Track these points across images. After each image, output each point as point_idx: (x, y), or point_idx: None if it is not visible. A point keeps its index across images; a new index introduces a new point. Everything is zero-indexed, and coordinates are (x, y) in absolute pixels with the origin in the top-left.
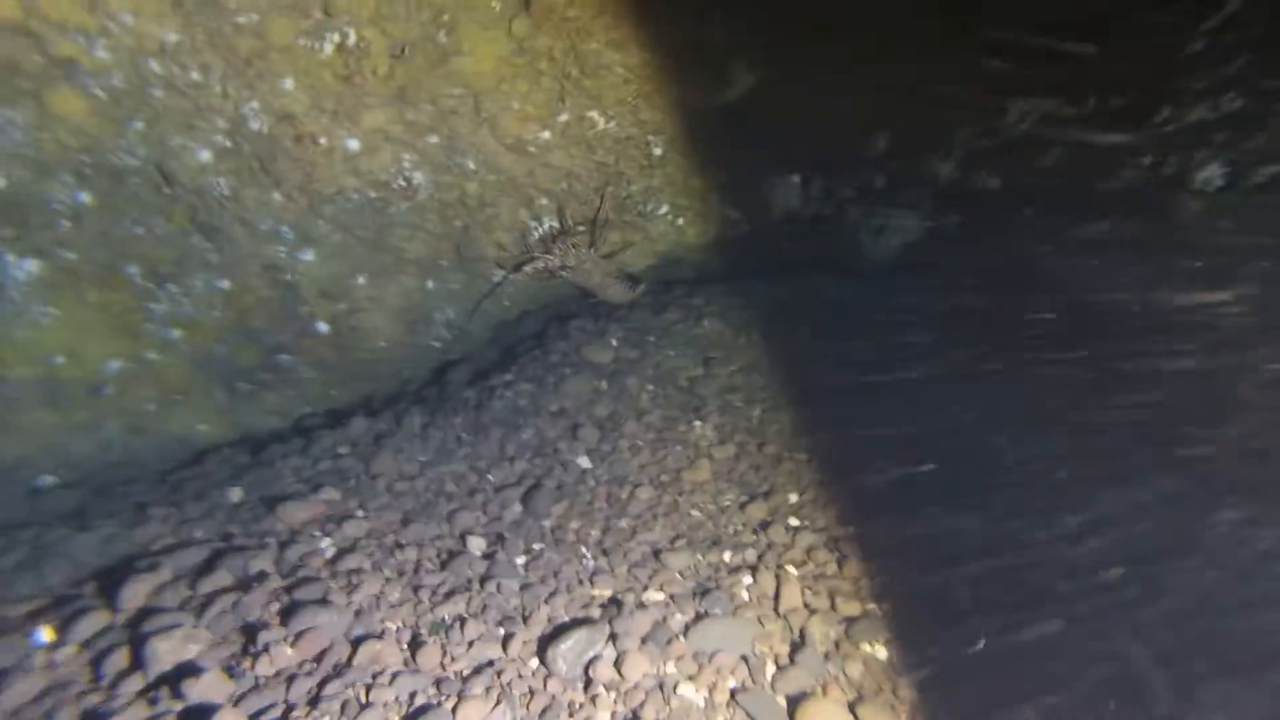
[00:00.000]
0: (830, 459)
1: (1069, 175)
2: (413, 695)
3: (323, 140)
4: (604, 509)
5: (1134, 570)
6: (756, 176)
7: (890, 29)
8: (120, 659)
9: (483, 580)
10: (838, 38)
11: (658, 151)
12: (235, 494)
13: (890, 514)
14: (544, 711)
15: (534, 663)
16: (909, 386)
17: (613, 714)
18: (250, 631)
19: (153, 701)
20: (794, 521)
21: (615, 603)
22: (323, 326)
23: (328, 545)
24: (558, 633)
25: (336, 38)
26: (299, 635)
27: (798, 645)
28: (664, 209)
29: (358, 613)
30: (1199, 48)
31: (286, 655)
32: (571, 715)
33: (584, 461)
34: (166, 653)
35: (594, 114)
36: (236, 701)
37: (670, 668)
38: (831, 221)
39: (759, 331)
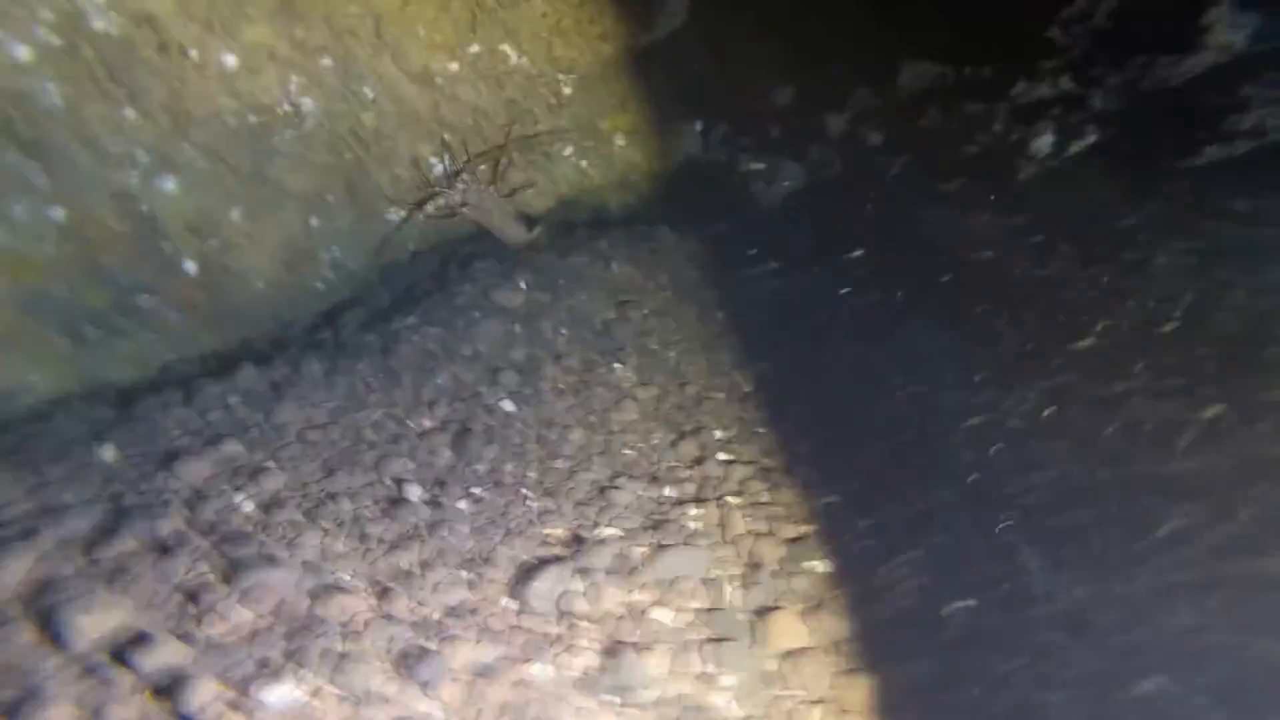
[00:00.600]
0: (747, 395)
1: (939, 135)
2: (391, 640)
3: (193, 53)
4: (537, 451)
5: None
6: (662, 123)
7: None
8: (26, 637)
9: (430, 526)
10: None
11: (567, 91)
12: (108, 452)
13: (805, 440)
14: (527, 645)
15: (505, 601)
16: (809, 324)
17: (592, 640)
18: (187, 593)
19: (97, 675)
20: (724, 456)
21: (576, 540)
22: (190, 265)
23: (244, 500)
24: (528, 571)
25: None
26: (246, 592)
27: (751, 567)
28: (569, 150)
29: (305, 564)
30: (1054, 34)
31: (240, 614)
32: (553, 646)
33: (508, 405)
34: (89, 623)
35: (506, 48)
36: (199, 664)
37: (639, 595)
38: (727, 169)
39: (667, 275)
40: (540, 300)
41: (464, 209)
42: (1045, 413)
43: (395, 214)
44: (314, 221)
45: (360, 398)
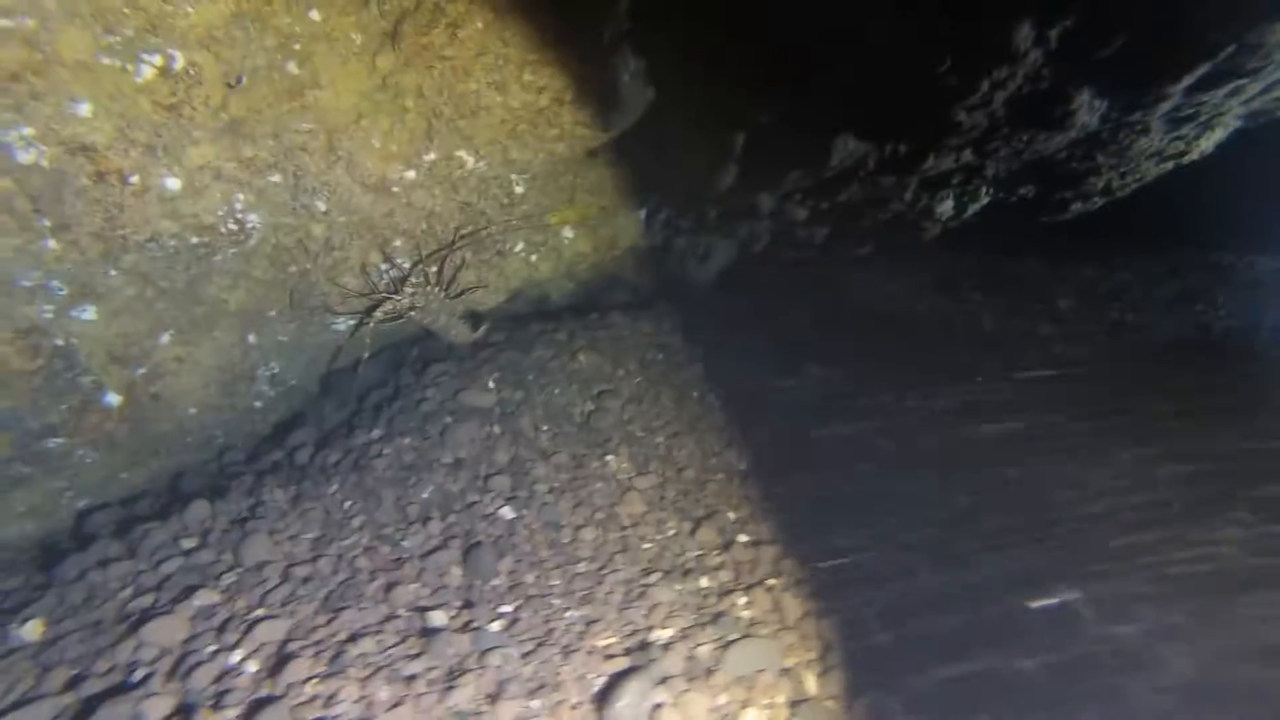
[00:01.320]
0: (744, 472)
1: (859, 206)
2: None
3: (134, 179)
4: (553, 557)
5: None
6: (608, 212)
7: (751, 73)
8: None
9: (478, 656)
10: (709, 78)
11: (519, 190)
12: (32, 629)
13: (808, 515)
14: None
15: None
16: (777, 389)
17: None
18: None
19: None
20: (745, 538)
21: (639, 647)
22: (112, 398)
23: (243, 660)
24: (605, 691)
25: (158, 59)
26: None
27: (825, 649)
28: (519, 246)
29: None
30: (960, 116)
31: None
32: None
33: (507, 511)
34: None
35: (463, 154)
36: None
37: (724, 698)
38: (664, 251)
39: (634, 361)
40: (513, 399)
41: (411, 313)
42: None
43: (342, 323)
44: (251, 338)
45: (341, 523)
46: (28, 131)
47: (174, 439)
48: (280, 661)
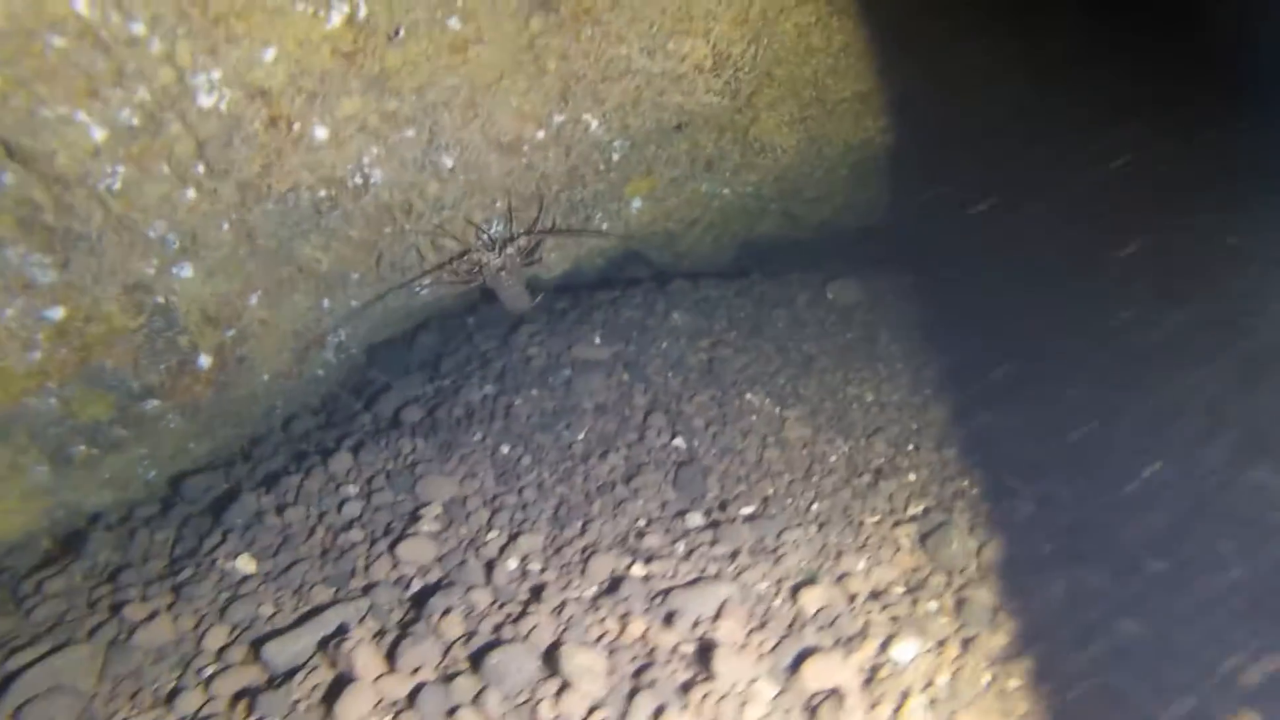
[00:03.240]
0: (873, 401)
1: None
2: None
3: (296, 126)
4: (752, 473)
5: None
6: (677, 182)
7: None
8: None
9: (777, 535)
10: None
11: (615, 157)
12: (245, 562)
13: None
14: None
15: None
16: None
17: None
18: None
19: None
20: (911, 446)
21: (928, 512)
22: (204, 360)
23: (531, 563)
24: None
25: (346, 8)
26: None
27: None
28: (599, 214)
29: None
30: None
31: None
32: None
33: (679, 442)
34: None
35: (589, 116)
36: None
37: None
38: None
39: (725, 319)
40: (626, 352)
41: (501, 274)
42: None
43: (427, 284)
44: (326, 303)
45: (513, 462)
46: (216, 75)
47: (245, 407)
48: (584, 557)
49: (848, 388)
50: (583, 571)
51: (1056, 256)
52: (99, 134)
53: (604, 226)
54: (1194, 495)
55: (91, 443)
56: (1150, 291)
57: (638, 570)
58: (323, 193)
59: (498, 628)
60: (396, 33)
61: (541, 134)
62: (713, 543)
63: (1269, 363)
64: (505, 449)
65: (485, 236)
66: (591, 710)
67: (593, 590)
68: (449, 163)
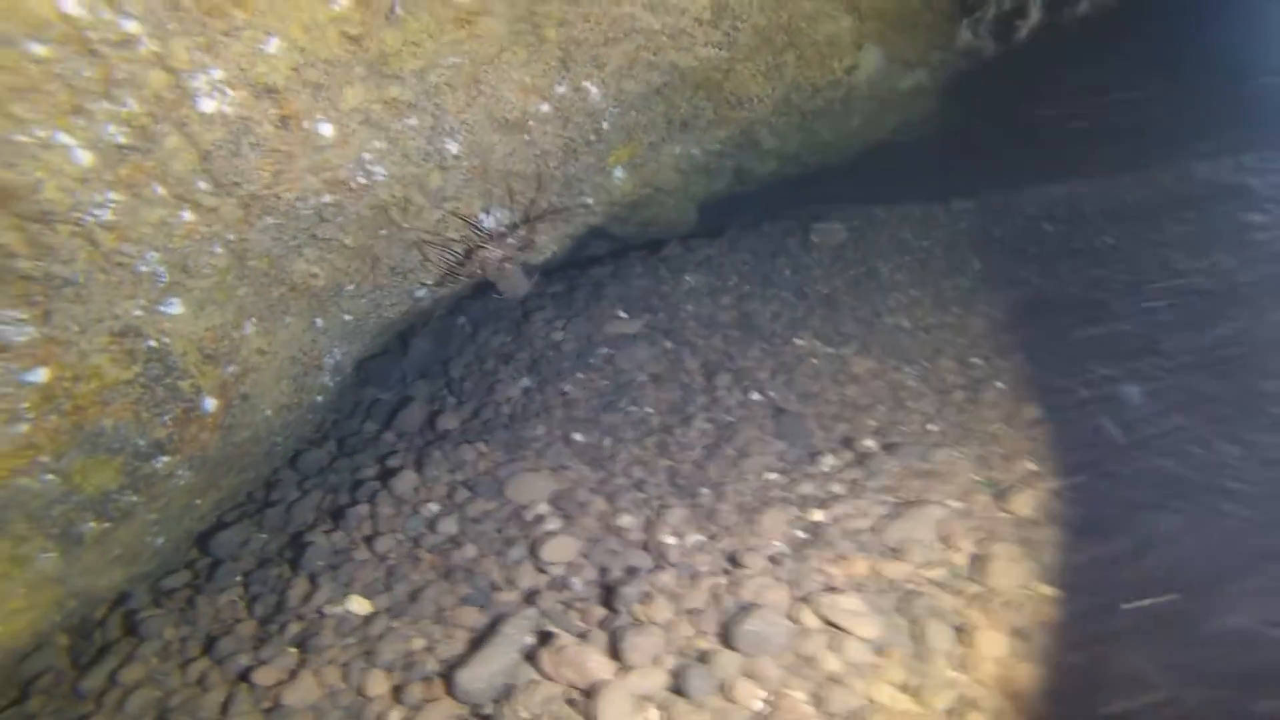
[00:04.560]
0: (911, 327)
1: None
2: None
3: (305, 124)
4: (845, 410)
5: None
6: (654, 147)
7: None
8: None
9: (925, 452)
10: None
11: (605, 126)
12: (358, 604)
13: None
14: None
15: None
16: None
17: None
18: None
19: None
20: (975, 359)
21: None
22: (209, 403)
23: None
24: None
25: None
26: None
27: None
28: (587, 188)
29: None
30: None
31: None
32: None
33: (755, 395)
34: None
35: (589, 84)
36: None
37: None
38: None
39: (734, 274)
40: (656, 320)
41: (502, 265)
42: None
43: (425, 289)
44: (319, 322)
45: (594, 448)
46: (217, 74)
47: (248, 449)
48: (745, 518)
49: (882, 319)
50: (753, 531)
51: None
52: (84, 157)
53: (589, 201)
54: None
55: (102, 516)
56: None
57: (819, 516)
58: (327, 198)
59: (716, 598)
60: (393, 9)
61: (545, 106)
62: (868, 476)
63: None
64: (579, 436)
65: (485, 227)
66: (880, 649)
67: (779, 545)
68: (454, 149)
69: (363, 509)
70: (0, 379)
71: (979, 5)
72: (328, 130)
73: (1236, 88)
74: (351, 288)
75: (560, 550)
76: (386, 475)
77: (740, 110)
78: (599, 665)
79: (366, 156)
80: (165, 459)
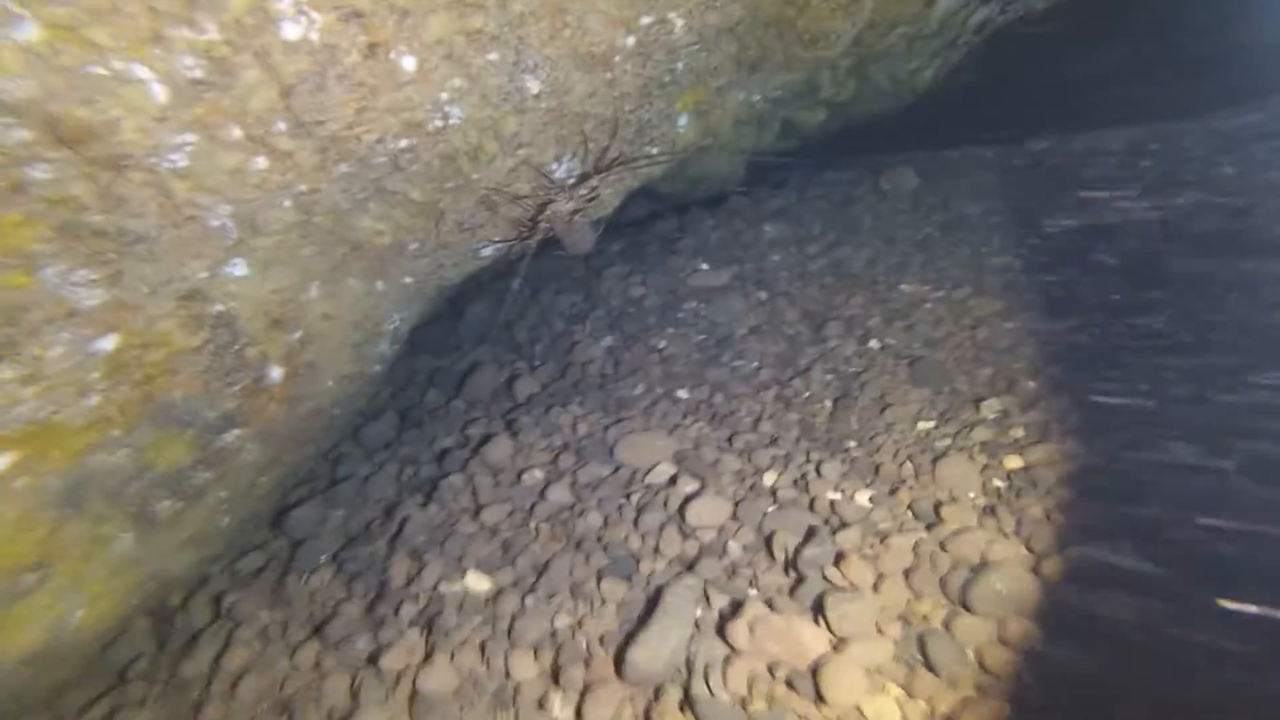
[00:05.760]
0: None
1: None
2: None
3: (392, 55)
4: (992, 356)
5: None
6: (714, 97)
7: None
8: None
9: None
10: None
11: (680, 66)
12: (475, 580)
13: None
14: None
15: None
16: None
17: None
18: None
19: None
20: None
21: None
22: (275, 372)
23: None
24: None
25: None
26: None
27: None
28: (657, 135)
29: None
30: None
31: None
32: None
33: (874, 344)
34: None
35: (674, 15)
36: None
37: None
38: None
39: (818, 223)
40: (744, 271)
41: (573, 218)
42: None
43: (492, 247)
44: (380, 285)
45: (709, 405)
46: None
47: (310, 422)
48: (921, 468)
49: (989, 259)
50: (936, 483)
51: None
52: (161, 93)
53: (653, 150)
54: None
55: (176, 494)
56: None
57: (1016, 462)
58: (404, 142)
59: (928, 557)
60: None
61: (630, 40)
62: (1052, 419)
63: None
64: (684, 393)
65: (556, 178)
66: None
67: (979, 496)
68: (534, 87)
69: (457, 480)
70: (70, 348)
71: None
72: (410, 64)
73: None
74: (415, 246)
75: (709, 513)
76: (476, 444)
77: (813, 50)
78: (813, 637)
79: (444, 96)
80: (236, 432)
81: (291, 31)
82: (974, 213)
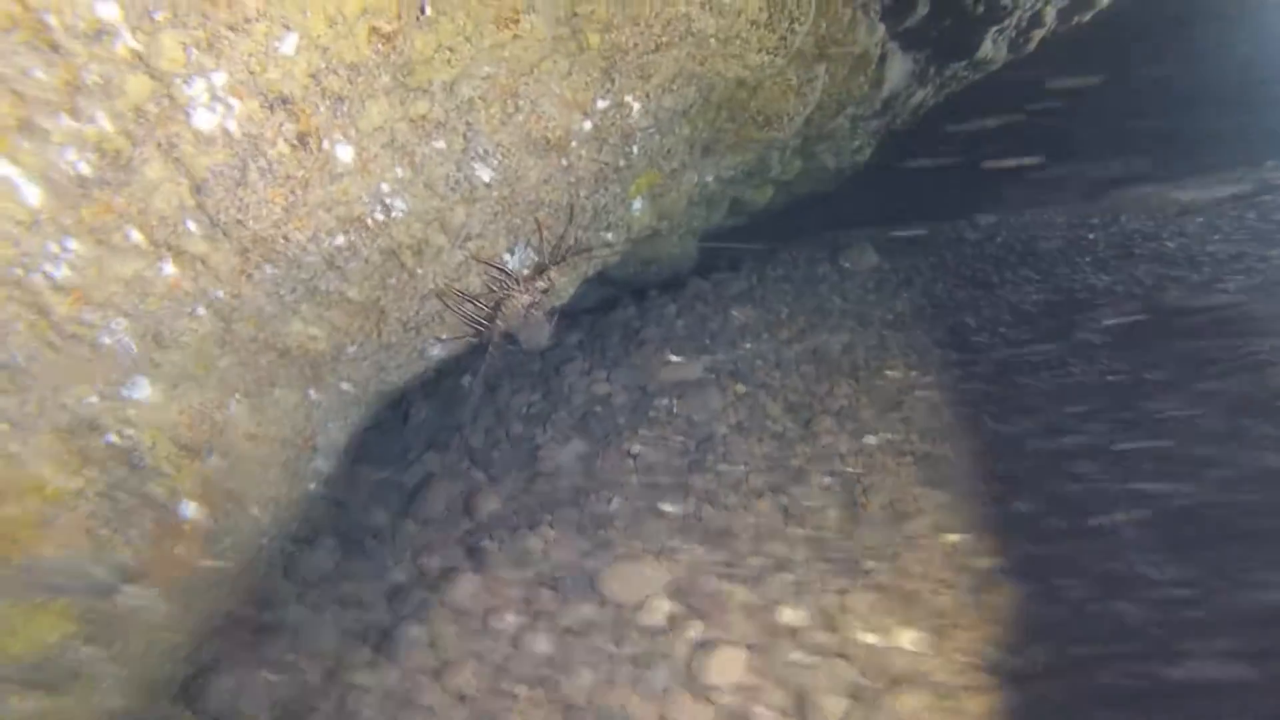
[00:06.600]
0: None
1: None
2: None
3: (325, 144)
4: None
5: None
6: (675, 174)
7: None
8: None
9: None
10: None
11: (635, 150)
12: None
13: None
14: None
15: None
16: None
17: None
18: None
19: None
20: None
21: None
22: (188, 508)
23: None
24: None
25: None
26: None
27: None
28: (610, 220)
29: None
30: None
31: None
32: None
33: (871, 440)
34: None
35: (631, 99)
36: None
37: None
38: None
39: (785, 309)
40: (717, 362)
41: (529, 311)
42: None
43: (440, 347)
44: (312, 393)
45: (716, 526)
46: (219, 80)
47: (233, 561)
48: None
49: (970, 337)
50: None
51: None
52: (33, 194)
53: (609, 236)
54: None
55: (32, 685)
56: None
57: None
58: (340, 238)
59: None
60: (423, 9)
61: (587, 124)
62: None
63: None
64: (669, 507)
65: (509, 270)
66: None
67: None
68: (485, 175)
69: (414, 630)
70: None
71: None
72: (347, 154)
73: None
74: (354, 349)
75: (721, 666)
76: (433, 579)
77: (766, 131)
78: None
79: (385, 187)
80: (133, 589)
81: (205, 121)
82: (940, 290)
